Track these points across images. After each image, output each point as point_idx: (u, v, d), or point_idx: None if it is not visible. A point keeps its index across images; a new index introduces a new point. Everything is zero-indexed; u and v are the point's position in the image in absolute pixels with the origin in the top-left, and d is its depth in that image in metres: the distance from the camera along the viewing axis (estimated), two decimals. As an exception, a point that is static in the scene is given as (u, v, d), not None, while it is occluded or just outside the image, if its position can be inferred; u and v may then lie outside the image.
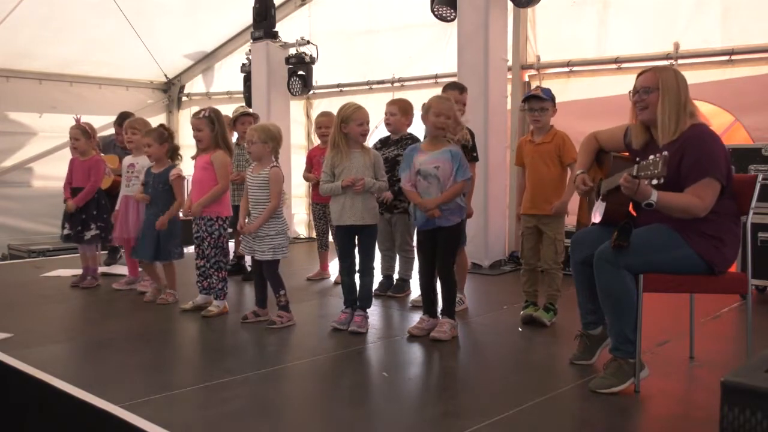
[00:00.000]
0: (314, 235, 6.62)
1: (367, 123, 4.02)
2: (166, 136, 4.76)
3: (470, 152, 4.29)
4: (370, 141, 5.45)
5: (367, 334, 3.96)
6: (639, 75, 3.09)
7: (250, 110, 5.68)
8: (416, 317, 4.09)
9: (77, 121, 5.34)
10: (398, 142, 4.83)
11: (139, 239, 4.80)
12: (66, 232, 5.31)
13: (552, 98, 4.11)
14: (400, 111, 4.80)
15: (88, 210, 5.25)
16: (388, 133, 4.93)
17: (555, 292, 4.15)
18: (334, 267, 5.60)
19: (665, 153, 2.64)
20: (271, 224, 4.11)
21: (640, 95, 3.03)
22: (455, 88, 4.53)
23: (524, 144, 4.25)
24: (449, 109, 3.84)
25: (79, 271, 5.48)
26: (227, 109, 6.35)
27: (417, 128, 4.99)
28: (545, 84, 6.28)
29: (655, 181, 2.68)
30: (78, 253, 5.53)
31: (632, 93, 3.08)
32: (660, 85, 2.97)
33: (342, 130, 3.94)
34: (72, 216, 5.24)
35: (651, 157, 2.67)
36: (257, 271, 4.28)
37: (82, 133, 5.25)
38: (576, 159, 4.02)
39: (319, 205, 5.64)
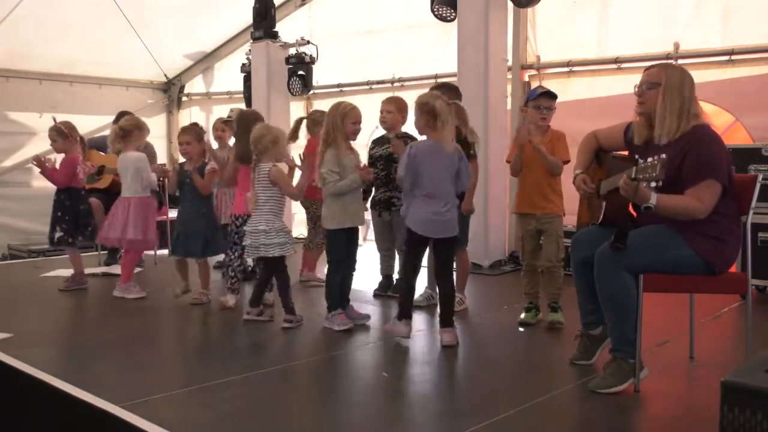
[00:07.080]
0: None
1: (360, 122, 4.10)
2: (202, 134, 4.83)
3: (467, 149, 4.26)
4: (370, 141, 5.45)
5: (367, 334, 3.97)
6: (646, 69, 3.09)
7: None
8: (417, 318, 4.08)
9: (54, 121, 5.30)
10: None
11: (183, 238, 4.74)
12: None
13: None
14: (396, 109, 4.81)
15: (54, 213, 5.23)
16: (384, 132, 4.93)
17: (557, 291, 4.12)
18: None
19: (663, 156, 2.63)
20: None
21: (641, 89, 3.04)
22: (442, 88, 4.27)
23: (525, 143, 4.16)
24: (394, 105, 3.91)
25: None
26: (228, 110, 6.34)
27: (414, 127, 4.98)
28: (545, 84, 6.28)
29: (654, 184, 2.68)
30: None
31: (636, 86, 3.08)
32: (663, 81, 2.97)
33: (342, 128, 3.97)
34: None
35: (650, 159, 2.66)
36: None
37: (57, 134, 5.22)
38: (566, 160, 4.03)
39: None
